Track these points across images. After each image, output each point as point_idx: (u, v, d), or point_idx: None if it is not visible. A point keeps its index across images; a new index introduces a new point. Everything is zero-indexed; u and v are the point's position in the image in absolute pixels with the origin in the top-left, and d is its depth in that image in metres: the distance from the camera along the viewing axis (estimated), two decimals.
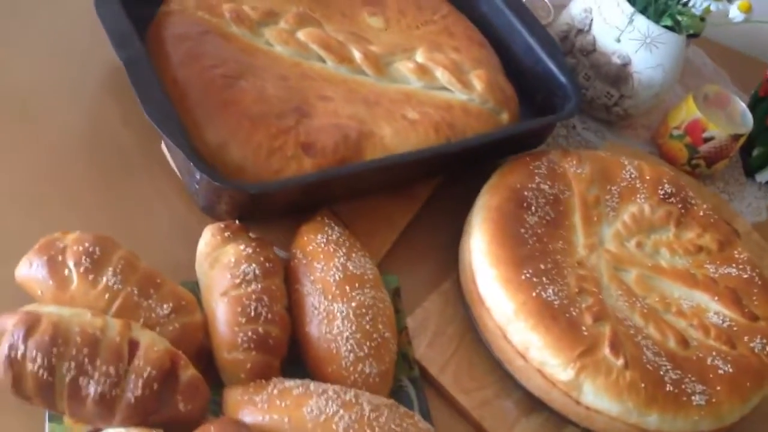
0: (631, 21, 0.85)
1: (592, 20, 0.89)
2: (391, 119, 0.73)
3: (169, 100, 0.64)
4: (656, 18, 0.85)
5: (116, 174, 0.70)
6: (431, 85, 0.78)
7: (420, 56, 0.79)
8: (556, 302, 0.65)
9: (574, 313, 0.65)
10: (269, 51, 0.74)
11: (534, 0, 1.06)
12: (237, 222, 0.64)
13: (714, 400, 0.63)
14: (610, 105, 0.91)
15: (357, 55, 0.76)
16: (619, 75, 0.88)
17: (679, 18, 0.82)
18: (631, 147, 0.94)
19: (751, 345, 0.68)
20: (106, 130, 0.73)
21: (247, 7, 0.75)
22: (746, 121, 0.92)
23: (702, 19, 0.84)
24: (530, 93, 0.84)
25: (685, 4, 0.84)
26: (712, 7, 0.80)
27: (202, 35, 0.71)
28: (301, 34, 0.76)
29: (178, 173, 0.69)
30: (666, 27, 0.85)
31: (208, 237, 0.62)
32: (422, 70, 0.78)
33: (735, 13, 0.78)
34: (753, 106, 0.97)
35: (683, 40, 0.86)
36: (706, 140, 0.89)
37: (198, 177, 0.62)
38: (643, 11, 0.85)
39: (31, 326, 0.52)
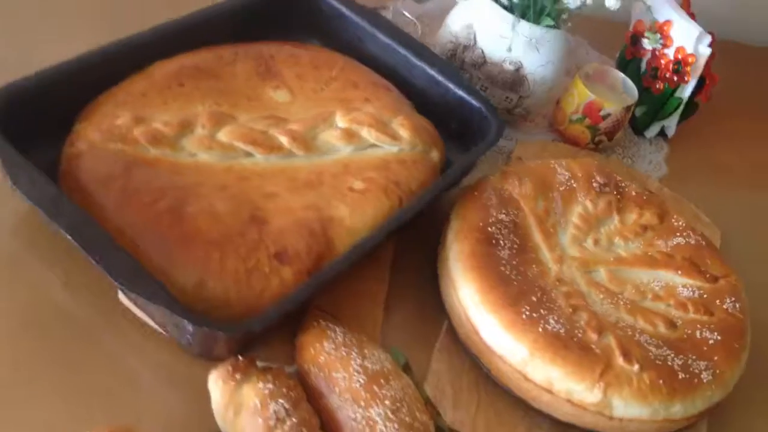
0: (514, 28, 0.88)
1: (475, 34, 0.91)
2: (341, 196, 0.71)
3: (128, 254, 0.59)
4: (536, 20, 0.88)
5: (74, 345, 0.63)
6: (361, 146, 0.77)
7: (340, 120, 0.78)
8: (561, 330, 0.67)
9: (579, 335, 0.67)
10: (196, 163, 0.70)
11: (396, 17, 1.07)
12: (240, 358, 0.60)
13: (718, 371, 0.69)
14: (511, 108, 0.94)
15: (283, 139, 0.74)
16: (514, 79, 0.91)
17: (563, 16, 0.86)
18: (539, 140, 0.98)
19: (725, 306, 0.74)
20: (47, 301, 0.65)
21: (158, 125, 0.70)
22: (629, 88, 0.98)
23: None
24: (444, 122, 0.85)
25: (555, 1, 0.88)
26: (589, 2, 0.83)
27: (127, 171, 0.66)
28: (222, 135, 0.72)
29: (149, 322, 0.64)
30: (547, 26, 0.88)
31: (220, 385, 0.59)
32: (349, 135, 0.77)
33: (611, 2, 0.83)
34: (623, 71, 1.04)
35: (564, 33, 0.90)
36: (604, 117, 0.95)
37: (191, 329, 0.58)
38: (523, 16, 0.88)
39: None
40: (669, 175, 1.01)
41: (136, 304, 0.63)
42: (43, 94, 0.69)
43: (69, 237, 0.58)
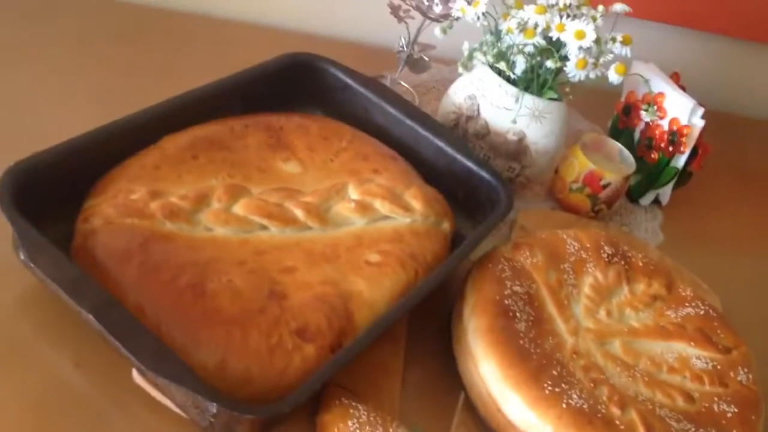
0: (518, 101, 0.89)
1: (479, 105, 0.92)
2: (357, 270, 0.71)
3: (152, 336, 0.58)
4: (539, 92, 0.90)
5: (88, 428, 0.61)
6: (374, 218, 0.77)
7: (353, 192, 0.78)
8: (585, 405, 0.66)
9: (603, 410, 0.67)
10: (213, 237, 0.69)
11: (393, 86, 1.08)
12: None
13: None
14: (513, 177, 0.95)
15: (298, 212, 0.73)
16: (517, 150, 0.92)
17: (566, 89, 0.88)
18: (540, 209, 0.99)
19: (738, 378, 0.74)
20: (58, 383, 0.63)
21: (175, 199, 0.69)
22: (626, 158, 1.00)
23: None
24: (451, 192, 0.85)
25: (557, 73, 0.89)
26: (591, 75, 0.85)
27: (145, 246, 0.65)
28: (238, 209, 0.71)
29: (167, 402, 0.62)
30: (549, 98, 0.90)
31: None
32: (362, 207, 0.76)
33: (614, 77, 0.85)
34: (616, 139, 1.06)
35: (564, 104, 0.92)
36: (604, 187, 0.96)
37: (214, 410, 0.56)
38: (526, 88, 0.90)
39: None
40: (664, 243, 1.02)
41: (155, 385, 0.61)
42: (55, 170, 0.68)
43: (93, 319, 0.56)
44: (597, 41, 0.84)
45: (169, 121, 0.77)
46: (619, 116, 1.09)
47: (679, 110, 1.00)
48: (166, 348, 0.57)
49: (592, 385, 0.69)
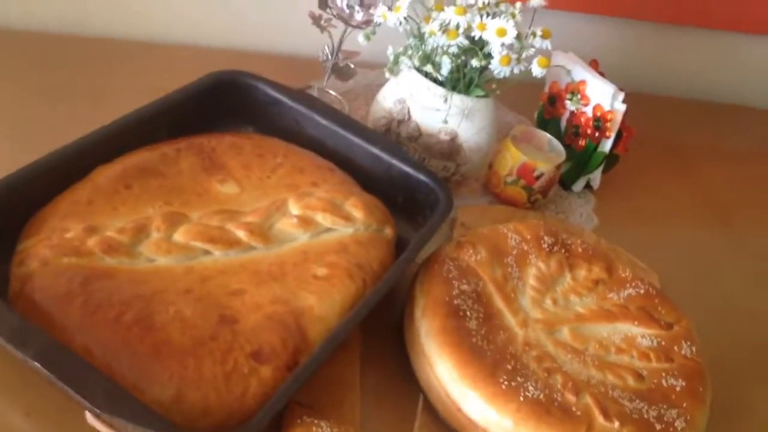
0: (446, 101, 0.90)
1: (409, 109, 0.93)
2: (306, 285, 0.71)
3: (104, 377, 0.56)
4: (467, 91, 0.91)
5: None
6: (317, 232, 0.77)
7: (294, 208, 0.78)
8: (541, 396, 0.68)
9: (558, 398, 0.68)
10: (156, 268, 0.68)
11: (322, 95, 1.08)
12: None
13: (689, 416, 0.71)
14: (449, 176, 0.96)
15: (240, 233, 0.72)
16: (451, 149, 0.93)
17: (493, 86, 0.89)
18: (478, 204, 1.00)
19: (682, 352, 0.77)
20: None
21: (112, 233, 0.68)
22: (555, 146, 1.03)
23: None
24: (390, 198, 0.86)
25: (482, 71, 0.91)
26: (516, 71, 0.87)
27: (86, 285, 0.63)
28: (178, 236, 0.70)
29: None
30: (477, 96, 0.92)
31: None
32: (305, 222, 0.76)
33: (537, 70, 0.87)
34: (543, 129, 1.09)
35: (492, 101, 0.94)
36: (538, 177, 0.98)
37: None
38: (453, 88, 0.91)
39: None
40: (600, 226, 1.05)
41: (110, 426, 0.59)
42: None
43: (39, 366, 0.54)
44: (518, 37, 0.86)
45: (98, 152, 0.75)
46: (545, 106, 1.11)
47: (601, 97, 1.02)
48: (118, 387, 0.55)
49: (546, 374, 0.71)
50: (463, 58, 0.88)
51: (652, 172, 1.17)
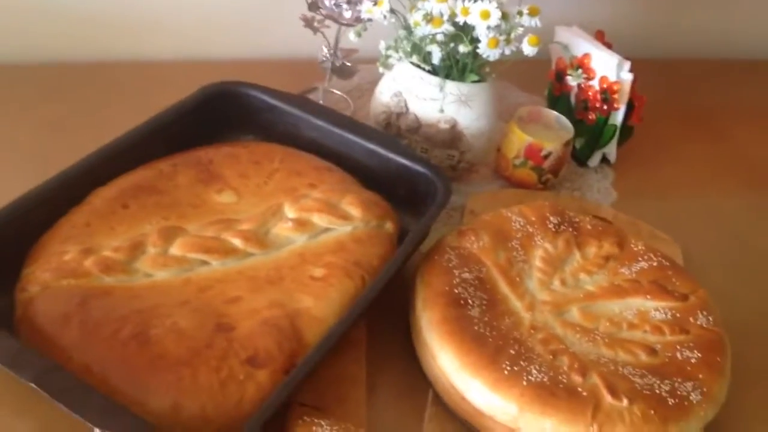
0: (442, 89, 0.89)
1: (406, 101, 0.92)
2: (303, 287, 0.71)
3: (98, 393, 0.58)
4: (461, 77, 0.90)
5: None
6: (314, 233, 0.77)
7: (289, 211, 0.78)
8: (545, 378, 0.67)
9: (564, 380, 0.67)
10: (154, 283, 0.69)
11: (326, 95, 1.08)
12: None
13: (705, 389, 0.69)
14: (455, 164, 0.96)
15: (236, 241, 0.73)
16: (452, 137, 0.92)
17: (486, 69, 0.88)
18: (488, 190, 0.99)
19: (698, 322, 0.75)
20: None
21: (108, 252, 0.69)
22: (563, 124, 1.01)
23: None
24: (392, 191, 0.86)
25: (474, 56, 0.89)
26: (507, 52, 0.86)
27: (83, 305, 0.65)
28: (175, 249, 0.71)
29: None
30: (473, 82, 0.90)
31: None
32: (300, 224, 0.77)
33: (528, 49, 0.85)
34: (554, 107, 1.07)
35: (490, 84, 0.92)
36: (546, 157, 0.96)
37: None
38: (447, 76, 0.90)
39: None
40: (619, 200, 1.02)
41: None
42: None
43: (37, 388, 0.56)
44: (504, 17, 0.85)
45: (96, 174, 0.77)
46: (553, 84, 1.09)
47: (606, 68, 1.00)
48: (113, 403, 0.57)
49: (551, 357, 0.69)
50: (452, 45, 0.87)
51: (672, 141, 1.13)
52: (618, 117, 1.02)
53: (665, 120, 1.16)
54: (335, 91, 1.10)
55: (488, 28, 0.83)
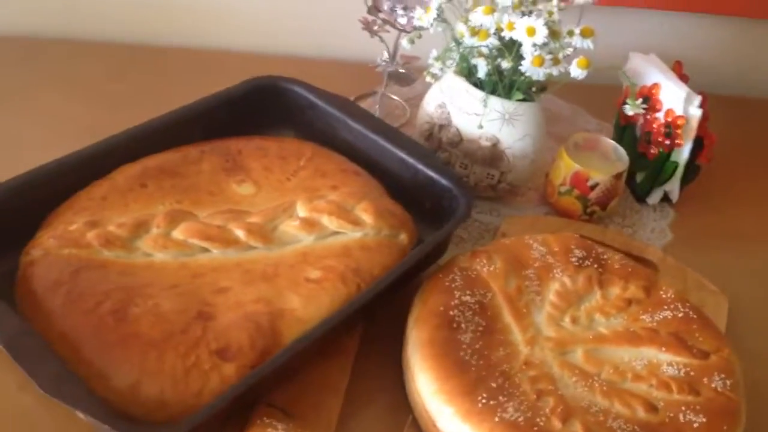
0: (485, 104, 0.86)
1: (449, 113, 0.90)
2: (295, 287, 0.70)
3: (56, 361, 0.59)
4: (507, 95, 0.87)
5: None
6: (322, 235, 0.76)
7: (301, 210, 0.78)
8: (521, 418, 0.63)
9: (541, 423, 0.63)
10: (150, 263, 0.70)
11: (384, 100, 1.07)
12: None
13: None
14: (495, 184, 0.92)
15: (239, 233, 0.74)
16: (493, 155, 0.89)
17: (533, 89, 0.84)
18: (529, 214, 0.95)
19: (713, 385, 0.68)
20: (4, 404, 0.67)
21: (113, 227, 0.71)
22: (620, 155, 0.95)
23: (544, 88, 0.88)
24: (418, 203, 0.84)
25: (520, 74, 0.85)
26: (554, 73, 0.82)
27: (75, 275, 0.67)
28: (177, 233, 0.73)
29: None
30: (518, 100, 0.87)
31: None
32: (309, 224, 0.76)
33: (576, 72, 0.81)
34: (620, 137, 1.01)
35: (537, 105, 0.88)
36: (593, 187, 0.91)
37: None
38: (493, 92, 0.87)
39: None
40: (673, 242, 0.95)
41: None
42: (6, 205, 0.71)
43: (4, 349, 0.58)
44: (554, 36, 0.81)
45: (125, 151, 0.80)
46: (620, 113, 1.03)
47: (674, 101, 0.93)
48: (68, 373, 0.58)
49: (535, 396, 0.65)
50: (498, 60, 0.84)
51: (743, 186, 1.04)
52: (682, 154, 0.95)
53: (737, 162, 1.07)
54: (393, 96, 1.09)
55: (534, 45, 0.79)
